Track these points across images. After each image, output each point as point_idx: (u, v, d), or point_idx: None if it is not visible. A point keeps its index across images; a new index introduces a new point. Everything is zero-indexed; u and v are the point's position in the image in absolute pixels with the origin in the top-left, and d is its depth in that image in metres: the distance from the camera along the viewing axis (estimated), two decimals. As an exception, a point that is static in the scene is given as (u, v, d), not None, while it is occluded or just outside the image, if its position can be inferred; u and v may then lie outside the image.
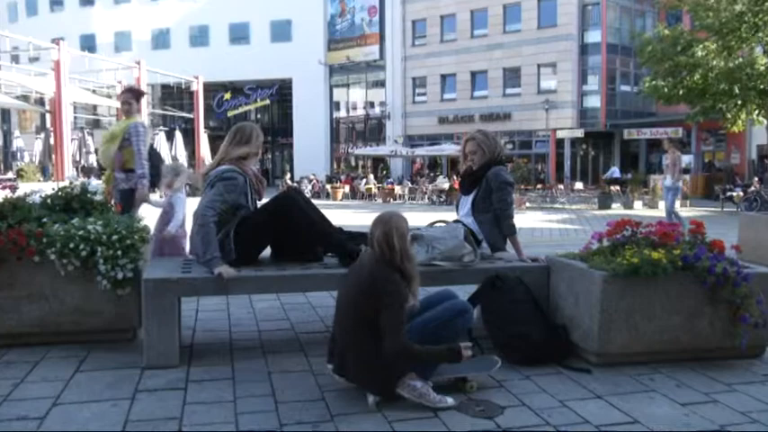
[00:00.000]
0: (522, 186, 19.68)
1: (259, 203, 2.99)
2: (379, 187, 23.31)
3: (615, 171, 22.91)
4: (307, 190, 22.70)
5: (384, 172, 29.08)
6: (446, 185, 20.55)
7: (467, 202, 3.33)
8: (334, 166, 34.66)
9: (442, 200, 20.63)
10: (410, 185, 23.04)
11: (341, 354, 2.27)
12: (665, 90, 15.45)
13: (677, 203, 8.48)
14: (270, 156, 41.50)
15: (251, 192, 2.91)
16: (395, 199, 22.27)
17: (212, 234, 2.72)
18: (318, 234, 2.94)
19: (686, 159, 24.32)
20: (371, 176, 24.62)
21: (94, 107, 27.35)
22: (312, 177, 25.63)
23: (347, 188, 23.71)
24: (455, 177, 21.68)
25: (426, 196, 21.69)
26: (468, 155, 3.30)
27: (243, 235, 2.81)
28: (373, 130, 33.60)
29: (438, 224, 3.24)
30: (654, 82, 15.68)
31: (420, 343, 2.23)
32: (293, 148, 34.09)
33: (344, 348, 2.26)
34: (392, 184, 23.61)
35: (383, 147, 28.17)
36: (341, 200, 22.09)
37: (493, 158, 3.26)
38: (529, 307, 2.82)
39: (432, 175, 28.65)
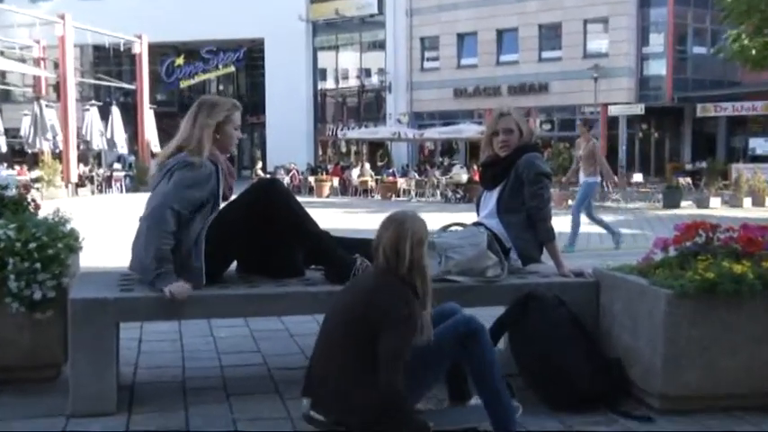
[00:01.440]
0: (563, 179, 19.60)
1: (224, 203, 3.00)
2: (377, 180, 23.46)
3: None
4: (284, 182, 22.96)
5: (384, 160, 29.22)
6: (464, 177, 20.66)
7: (491, 199, 3.35)
8: (319, 152, 34.85)
9: (458, 196, 20.58)
10: (417, 177, 23.17)
11: (321, 384, 2.26)
12: (753, 52, 15.09)
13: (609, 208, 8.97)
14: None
15: (219, 188, 2.86)
16: (398, 195, 22.29)
17: (167, 241, 2.68)
18: (306, 237, 2.95)
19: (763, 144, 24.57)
20: (367, 166, 24.75)
21: (2, 74, 27.26)
22: (291, 167, 25.73)
23: (336, 181, 23.78)
24: (475, 167, 21.82)
25: (438, 192, 21.73)
26: (502, 135, 3.29)
27: (209, 242, 2.80)
28: (370, 105, 33.79)
29: (453, 228, 3.26)
30: (738, 41, 15.35)
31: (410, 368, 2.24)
32: (265, 129, 34.25)
33: (327, 379, 2.25)
34: (394, 175, 23.73)
35: (382, 128, 28.32)
36: (327, 196, 22.21)
37: (527, 142, 3.29)
38: (571, 335, 2.83)
39: (445, 163, 28.85)
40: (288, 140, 31.20)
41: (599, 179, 8.79)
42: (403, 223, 2.31)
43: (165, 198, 2.73)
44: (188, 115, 2.90)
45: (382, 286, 2.25)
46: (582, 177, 8.51)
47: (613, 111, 26.03)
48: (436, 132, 26.19)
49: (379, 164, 28.65)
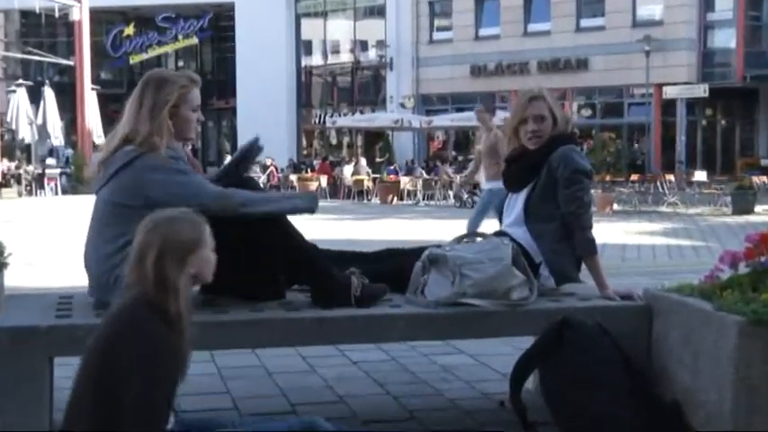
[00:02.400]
0: (608, 177, 19.77)
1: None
2: (375, 179, 23.60)
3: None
4: (260, 182, 23.03)
5: (384, 155, 29.29)
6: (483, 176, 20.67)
7: (517, 203, 3.37)
8: (303, 144, 34.97)
9: (476, 199, 20.77)
10: (425, 176, 23.24)
11: None
12: None
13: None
14: (199, 129, 41.85)
15: None
16: (401, 197, 22.41)
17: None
18: (288, 250, 2.97)
19: None
20: (363, 162, 24.88)
21: None
22: (268, 163, 25.81)
23: (324, 181, 23.94)
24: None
25: (451, 194, 21.89)
26: (531, 124, 3.32)
27: None
28: (366, 86, 33.94)
29: (471, 239, 3.28)
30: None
31: None
32: (236, 116, 34.39)
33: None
34: (396, 173, 23.83)
35: (382, 114, 28.45)
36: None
37: (563, 132, 3.32)
38: (617, 372, 2.82)
39: (460, 159, 28.95)
40: (264, 130, 30.83)
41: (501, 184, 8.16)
42: (156, 226, 2.19)
43: (194, 185, 2.80)
44: (133, 96, 2.87)
45: (123, 312, 2.16)
46: (483, 181, 8.03)
47: (670, 93, 26.09)
48: (448, 120, 26.29)
49: (378, 159, 28.73)
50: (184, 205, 2.77)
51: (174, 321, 2.14)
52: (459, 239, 3.27)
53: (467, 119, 24.80)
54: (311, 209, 2.98)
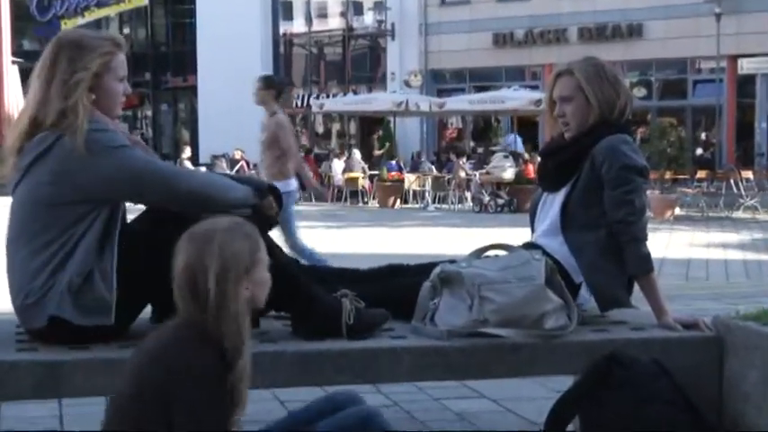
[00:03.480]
0: (668, 175, 19.65)
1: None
2: (372, 177, 23.69)
3: (510, 139, 25.69)
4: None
5: (386, 145, 29.32)
6: (509, 172, 20.84)
7: (552, 206, 3.40)
8: (281, 132, 35.03)
9: (501, 202, 20.73)
10: (436, 173, 23.27)
11: None
12: None
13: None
14: (149, 112, 42.04)
15: None
16: (405, 200, 22.60)
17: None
18: (272, 268, 2.99)
19: None
20: (357, 155, 24.97)
21: None
22: (237, 157, 25.89)
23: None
24: (526, 156, 21.87)
25: (469, 195, 21.89)
26: (558, 107, 3.38)
27: (122, 273, 2.84)
28: (361, 60, 34.02)
29: (493, 253, 3.29)
30: None
31: None
32: (197, 97, 34.45)
33: None
34: (399, 170, 23.89)
35: (381, 95, 28.52)
36: (295, 202, 22.28)
37: (607, 117, 3.34)
38: (678, 420, 2.83)
39: (480, 150, 28.95)
40: (232, 115, 31.26)
41: (295, 184, 7.82)
42: (209, 241, 2.25)
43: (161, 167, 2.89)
44: (40, 66, 2.85)
45: (167, 347, 2.22)
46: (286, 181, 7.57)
47: (747, 66, 26.12)
48: (465, 102, 26.33)
49: (377, 152, 28.78)
50: (133, 195, 2.82)
51: (233, 355, 2.22)
52: (478, 253, 3.27)
53: (489, 100, 24.88)
54: (245, 203, 2.97)
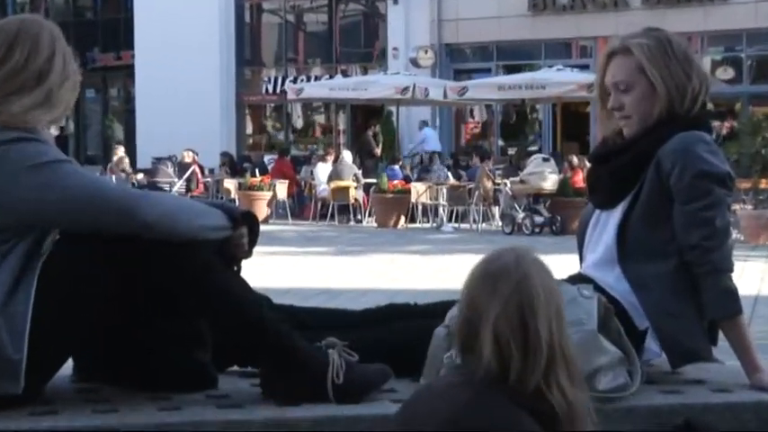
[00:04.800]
0: (764, 184, 19.23)
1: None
2: (368, 186, 23.75)
3: (427, 135, 27.00)
4: (173, 191, 22.87)
5: (378, 141, 29.27)
6: (549, 181, 20.86)
7: (606, 227, 3.42)
8: (248, 128, 34.96)
9: (540, 221, 20.81)
10: (452, 181, 23.20)
11: None
12: None
13: None
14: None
15: None
16: (411, 217, 22.71)
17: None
18: (224, 311, 3.04)
19: None
20: (347, 157, 24.86)
21: None
22: (188, 159, 25.86)
23: (282, 189, 24.27)
24: (574, 159, 21.80)
25: (498, 211, 22.00)
26: (612, 96, 3.39)
27: (35, 321, 2.87)
28: (353, 32, 33.96)
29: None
30: None
31: None
32: (134, 79, 34.44)
33: None
34: (404, 178, 23.83)
35: (380, 78, 28.44)
36: (266, 220, 22.29)
37: (677, 109, 3.35)
38: None
39: (512, 150, 28.78)
40: (181, 104, 31.32)
41: None
42: (528, 277, 2.40)
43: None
44: None
45: (481, 410, 2.31)
46: None
47: None
48: (492, 87, 26.33)
49: (376, 150, 28.77)
50: (71, 223, 2.87)
51: (557, 421, 2.33)
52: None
53: (524, 85, 24.85)
54: (221, 227, 3.05)
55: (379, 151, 28.01)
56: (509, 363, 2.33)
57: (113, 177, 22.45)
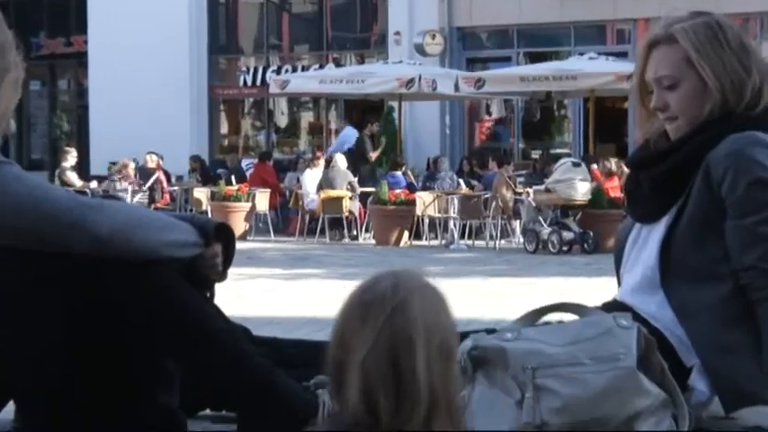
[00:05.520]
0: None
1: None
2: (366, 196, 23.89)
3: (347, 135, 27.96)
4: (133, 202, 22.89)
5: (380, 144, 29.27)
6: (580, 190, 20.93)
7: (647, 245, 3.43)
8: (222, 128, 34.95)
9: (569, 238, 20.96)
10: (465, 190, 23.27)
11: None
12: None
13: None
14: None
15: None
16: (416, 233, 22.89)
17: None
18: (197, 345, 3.07)
19: None
20: (341, 162, 24.83)
21: None
22: (151, 164, 25.88)
23: (263, 199, 24.45)
24: (612, 164, 21.78)
25: (519, 225, 22.13)
26: (656, 94, 3.40)
27: None
28: (345, 14, 33.94)
29: (555, 318, 3.31)
30: None
31: None
32: (87, 69, 34.45)
33: None
34: (408, 186, 23.83)
35: (379, 68, 28.53)
36: (244, 236, 22.27)
37: (732, 107, 3.35)
38: None
39: (535, 154, 28.71)
40: (143, 100, 31.35)
41: None
42: (404, 306, 2.35)
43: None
44: None
45: None
46: None
47: None
48: (513, 79, 26.36)
49: (371, 154, 28.74)
50: (16, 239, 2.88)
51: None
52: (533, 317, 3.28)
53: (550, 75, 24.87)
54: (189, 243, 3.08)
55: (374, 155, 27.72)
56: (378, 410, 2.29)
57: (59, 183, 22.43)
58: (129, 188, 24.21)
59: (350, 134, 28.92)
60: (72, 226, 2.91)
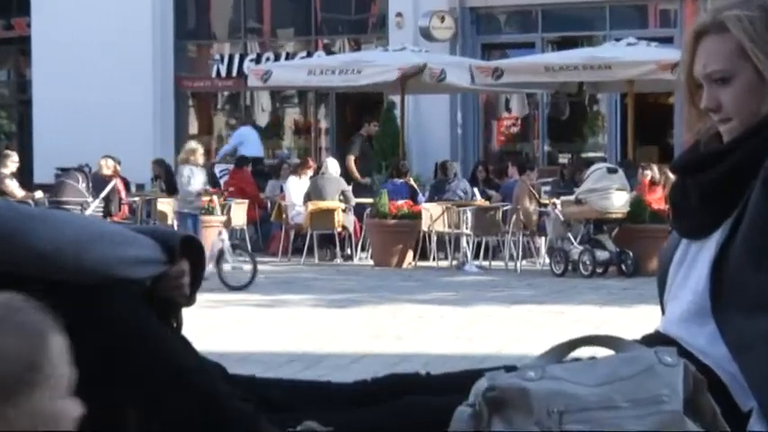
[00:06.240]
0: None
1: None
2: (362, 209, 23.96)
3: (243, 134, 29.30)
4: (86, 213, 23.01)
5: (393, 148, 29.29)
6: (617, 201, 21.04)
7: (695, 266, 3.45)
8: (191, 127, 34.94)
9: (604, 258, 21.12)
10: (480, 202, 23.27)
11: None
12: None
13: None
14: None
15: None
16: (422, 252, 22.96)
17: None
18: (168, 377, 3.09)
19: None
20: (332, 167, 24.86)
21: None
22: (106, 171, 25.88)
23: (240, 211, 24.53)
24: (654, 172, 21.80)
25: (545, 242, 22.24)
26: (707, 91, 3.42)
27: None
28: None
29: (587, 352, 3.31)
30: None
31: None
32: (30, 58, 34.47)
33: None
34: (412, 197, 23.82)
35: (377, 55, 28.56)
36: (217, 261, 22.32)
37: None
38: None
39: (564, 158, 28.69)
40: (97, 94, 31.36)
41: None
42: None
43: None
44: None
45: None
46: None
47: None
48: (536, 68, 26.41)
49: (351, 164, 28.78)
50: None
51: None
52: (560, 352, 3.30)
53: (580, 64, 24.91)
54: (150, 260, 3.08)
55: (353, 165, 27.60)
56: None
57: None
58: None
59: (246, 134, 29.15)
60: (9, 239, 2.92)
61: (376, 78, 26.13)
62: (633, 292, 16.89)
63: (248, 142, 28.84)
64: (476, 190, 24.49)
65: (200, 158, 22.28)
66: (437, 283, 19.30)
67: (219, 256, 18.94)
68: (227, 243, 19.68)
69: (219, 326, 12.64)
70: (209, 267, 16.72)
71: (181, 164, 22.70)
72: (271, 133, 34.79)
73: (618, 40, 26.00)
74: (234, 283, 18.25)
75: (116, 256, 2.99)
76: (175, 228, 21.49)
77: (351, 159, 27.50)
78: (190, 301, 3.18)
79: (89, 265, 2.94)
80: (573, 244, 20.42)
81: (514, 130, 32.54)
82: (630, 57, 23.91)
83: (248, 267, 19.00)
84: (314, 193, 23.63)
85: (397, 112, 28.30)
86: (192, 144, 23.32)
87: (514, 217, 21.72)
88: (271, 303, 16.13)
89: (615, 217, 20.43)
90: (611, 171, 21.36)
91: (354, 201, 23.80)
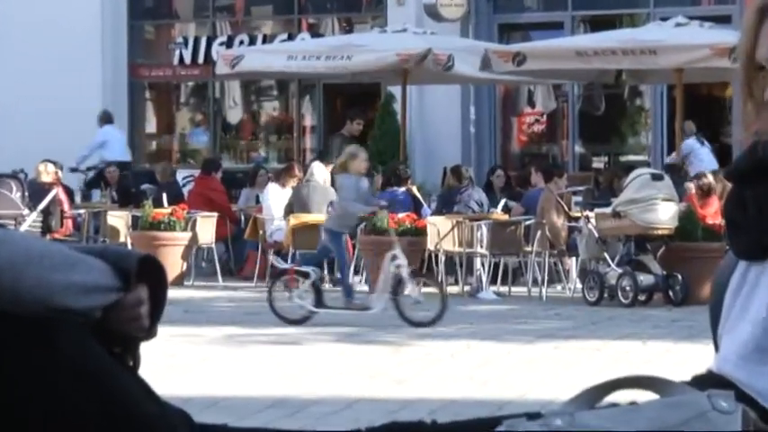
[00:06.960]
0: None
1: None
2: (370, 224, 23.66)
3: (106, 134, 30.01)
4: (21, 229, 23.15)
5: (393, 149, 29.37)
6: (663, 214, 21.13)
7: (757, 293, 3.43)
8: (149, 126, 35.01)
9: (648, 283, 21.15)
10: (498, 214, 23.24)
11: None
12: None
13: None
14: None
15: None
16: (428, 276, 22.81)
17: None
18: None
19: None
20: (319, 172, 24.89)
21: None
22: (46, 177, 25.97)
23: (209, 228, 24.65)
24: (707, 178, 21.87)
25: (576, 263, 22.31)
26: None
27: None
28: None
29: (626, 396, 3.33)
30: None
31: None
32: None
33: None
34: (416, 209, 23.89)
35: (373, 38, 28.69)
36: (180, 282, 22.36)
37: None
38: None
39: (598, 164, 28.83)
40: (36, 86, 31.44)
41: None
42: None
43: None
44: None
45: None
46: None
47: None
48: (566, 53, 26.49)
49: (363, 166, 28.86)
50: None
51: None
52: (595, 395, 3.32)
53: (619, 49, 24.98)
54: (101, 287, 3.09)
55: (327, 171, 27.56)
56: None
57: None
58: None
59: (111, 136, 29.26)
60: None
61: (371, 65, 26.18)
62: (682, 325, 16.97)
63: (112, 143, 28.69)
64: (493, 200, 24.51)
65: (364, 166, 21.55)
66: (446, 313, 19.33)
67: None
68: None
69: (183, 364, 12.68)
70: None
71: (338, 172, 22.19)
72: (245, 132, 34.84)
73: (664, 19, 26.09)
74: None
75: (62, 281, 2.99)
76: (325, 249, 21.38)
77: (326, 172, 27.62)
78: (149, 334, 3.18)
79: (26, 294, 2.94)
80: (610, 266, 20.46)
81: (539, 128, 32.63)
82: (679, 40, 23.98)
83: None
84: (297, 205, 23.67)
85: (398, 106, 28.35)
86: (353, 148, 22.78)
87: (539, 233, 21.76)
88: (243, 338, 16.16)
89: (661, 233, 20.49)
90: (656, 178, 21.37)
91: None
